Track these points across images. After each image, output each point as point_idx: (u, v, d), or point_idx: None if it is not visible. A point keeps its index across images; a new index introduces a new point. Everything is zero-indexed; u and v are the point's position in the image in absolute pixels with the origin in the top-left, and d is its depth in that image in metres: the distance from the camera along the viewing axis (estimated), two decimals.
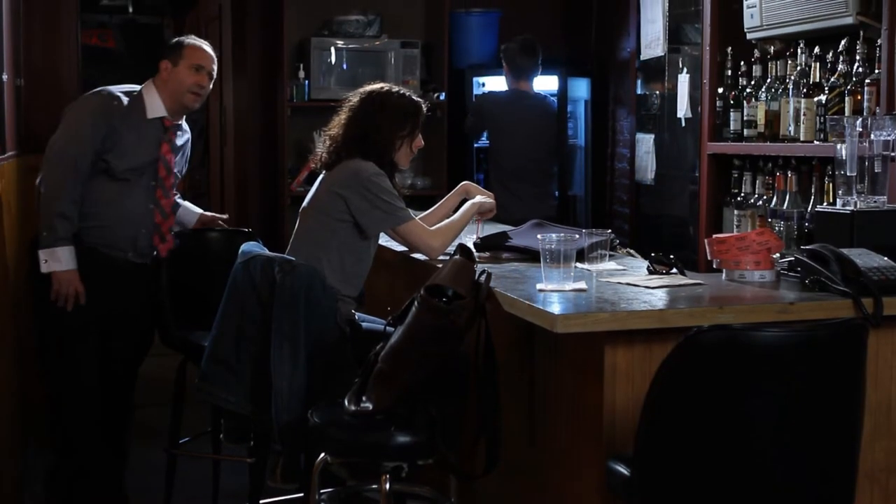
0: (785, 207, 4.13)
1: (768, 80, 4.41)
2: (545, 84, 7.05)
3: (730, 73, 4.69)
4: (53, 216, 3.95)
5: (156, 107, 4.16)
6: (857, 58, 3.93)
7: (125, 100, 4.12)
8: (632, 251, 4.06)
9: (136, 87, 4.21)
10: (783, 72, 4.35)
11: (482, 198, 3.98)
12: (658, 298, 2.86)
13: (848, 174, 3.32)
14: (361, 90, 3.82)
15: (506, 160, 6.08)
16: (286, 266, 3.38)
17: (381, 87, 3.82)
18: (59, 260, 3.97)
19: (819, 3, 4.10)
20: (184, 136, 4.32)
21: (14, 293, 4.40)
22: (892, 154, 3.32)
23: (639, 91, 6.46)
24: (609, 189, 7.09)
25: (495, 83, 7.01)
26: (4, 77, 4.32)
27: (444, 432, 3.03)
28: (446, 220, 3.87)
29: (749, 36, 4.58)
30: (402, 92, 3.82)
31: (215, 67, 4.27)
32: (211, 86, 4.26)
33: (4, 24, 4.37)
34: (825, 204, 3.89)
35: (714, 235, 3.22)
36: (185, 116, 4.30)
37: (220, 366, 3.50)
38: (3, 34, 4.35)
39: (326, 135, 3.81)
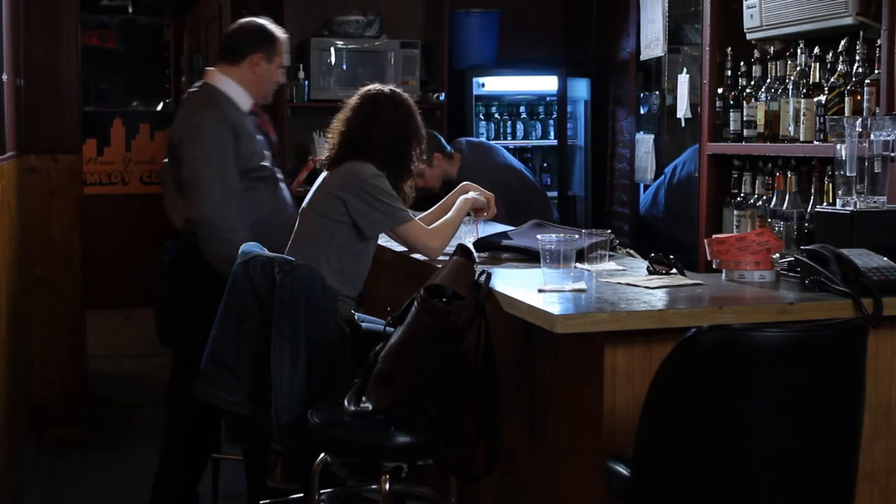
0: (785, 208, 4.12)
1: (768, 81, 4.41)
2: (545, 84, 7.06)
3: (729, 73, 4.69)
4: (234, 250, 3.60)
5: (244, 98, 3.92)
6: (857, 58, 3.93)
7: (226, 109, 3.87)
8: (631, 251, 4.06)
9: (199, 88, 3.93)
10: (783, 72, 4.35)
11: (475, 194, 3.96)
12: (658, 299, 2.86)
13: (848, 174, 3.32)
14: (364, 90, 3.81)
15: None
16: (286, 266, 3.38)
17: (382, 88, 3.81)
18: None
19: (819, 3, 4.10)
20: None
21: (13, 293, 4.40)
22: (892, 154, 3.32)
23: (638, 91, 6.47)
24: (609, 189, 7.09)
25: (495, 83, 7.03)
26: (4, 77, 4.32)
27: (443, 433, 3.03)
28: (442, 219, 3.85)
29: (749, 36, 4.58)
30: (400, 91, 3.82)
31: None
32: None
33: (4, 25, 4.38)
34: (825, 204, 3.89)
35: (714, 236, 3.22)
36: None
37: (220, 366, 3.49)
38: (3, 34, 4.35)
39: (328, 135, 3.81)
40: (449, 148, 5.46)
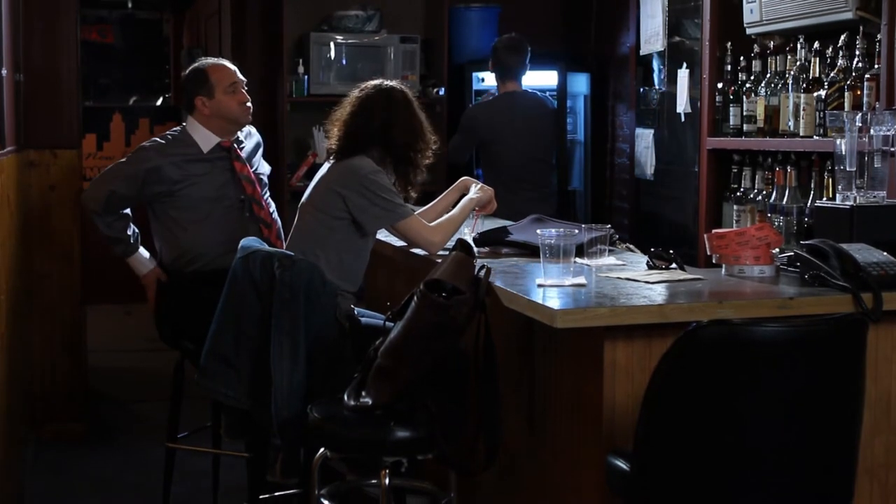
0: (784, 202, 4.12)
1: (768, 76, 4.41)
2: (544, 79, 7.05)
3: (729, 68, 4.69)
4: (109, 240, 4.20)
5: (208, 139, 4.17)
6: (857, 53, 3.93)
7: (174, 147, 4.15)
8: (631, 246, 4.06)
9: (177, 130, 4.23)
10: (783, 67, 4.35)
11: (479, 193, 3.96)
12: (657, 293, 2.86)
13: (847, 169, 3.32)
14: (367, 84, 3.80)
15: (506, 165, 5.88)
16: (286, 261, 3.38)
17: (384, 82, 3.81)
18: (135, 267, 4.21)
19: None
20: (251, 138, 4.34)
21: (13, 288, 4.40)
22: (892, 149, 3.32)
23: (638, 86, 6.46)
24: (609, 184, 7.09)
25: (494, 80, 7.01)
26: (4, 72, 4.32)
27: (443, 427, 3.03)
28: (445, 216, 3.86)
29: (748, 31, 4.58)
30: (403, 86, 3.82)
31: (238, 72, 4.26)
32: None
33: (4, 20, 4.37)
34: (825, 199, 3.88)
35: (713, 230, 3.22)
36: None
37: (220, 361, 3.50)
38: (3, 30, 4.34)
39: (330, 126, 3.80)
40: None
